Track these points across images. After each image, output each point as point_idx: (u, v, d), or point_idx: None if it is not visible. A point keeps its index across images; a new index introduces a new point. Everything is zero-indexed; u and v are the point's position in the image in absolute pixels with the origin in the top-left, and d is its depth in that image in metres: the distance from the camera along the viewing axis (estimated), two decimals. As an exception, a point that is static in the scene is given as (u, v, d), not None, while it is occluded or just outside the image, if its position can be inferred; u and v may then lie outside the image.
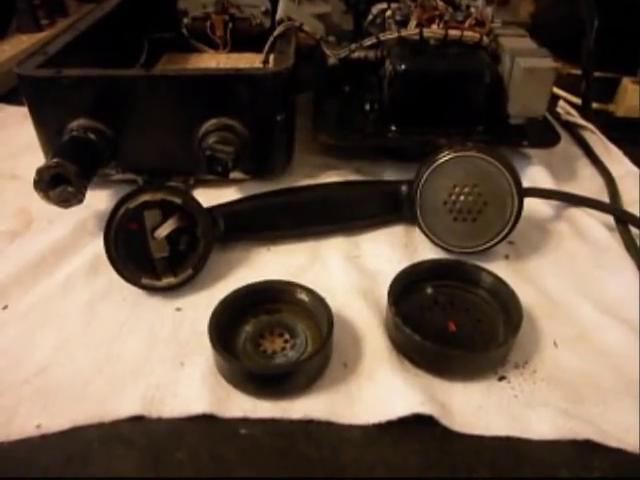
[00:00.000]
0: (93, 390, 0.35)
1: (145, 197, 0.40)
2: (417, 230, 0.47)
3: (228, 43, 0.77)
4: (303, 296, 0.38)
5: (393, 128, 0.53)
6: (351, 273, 0.43)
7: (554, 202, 0.51)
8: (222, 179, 0.47)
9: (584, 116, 0.65)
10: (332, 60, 0.60)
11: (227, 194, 0.52)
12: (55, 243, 0.46)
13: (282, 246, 0.46)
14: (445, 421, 0.33)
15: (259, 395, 0.34)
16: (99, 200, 0.51)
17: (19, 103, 0.69)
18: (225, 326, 0.37)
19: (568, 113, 0.66)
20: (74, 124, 0.48)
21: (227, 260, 0.45)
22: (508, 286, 0.38)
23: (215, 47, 0.78)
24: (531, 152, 0.56)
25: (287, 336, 0.37)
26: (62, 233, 0.47)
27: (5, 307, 0.41)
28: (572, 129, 0.63)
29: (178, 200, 0.40)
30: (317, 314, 0.37)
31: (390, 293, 0.38)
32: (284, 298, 0.39)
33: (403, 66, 0.50)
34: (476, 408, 0.34)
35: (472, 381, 0.35)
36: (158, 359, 0.37)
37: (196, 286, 0.42)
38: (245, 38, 0.76)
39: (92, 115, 0.48)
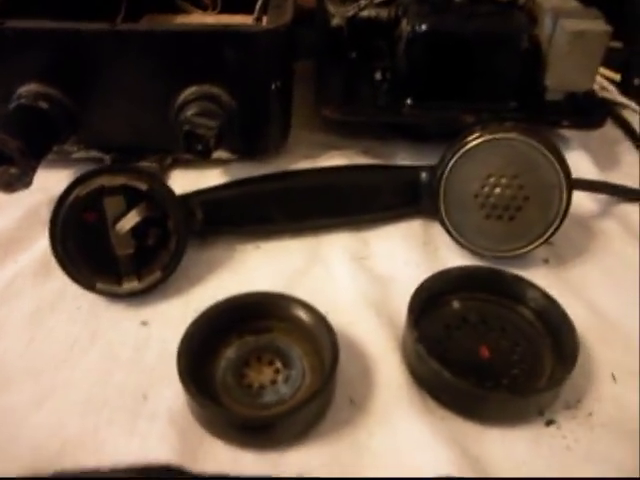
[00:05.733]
0: (30, 431, 0.27)
1: (101, 181, 0.31)
2: (438, 226, 0.39)
3: (218, 3, 0.68)
4: (300, 313, 0.30)
5: (409, 102, 0.44)
6: (359, 279, 0.36)
7: (599, 195, 0.43)
8: (203, 159, 0.39)
9: (625, 93, 0.56)
10: (336, 20, 0.51)
11: (210, 177, 0.43)
12: (0, 234, 0.38)
13: (274, 243, 0.38)
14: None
15: (242, 444, 0.26)
16: (57, 182, 0.42)
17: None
18: (201, 351, 0.29)
19: (604, 89, 0.58)
20: (23, 89, 0.39)
21: (206, 260, 0.37)
22: (557, 304, 0.31)
23: (203, 7, 0.69)
24: (568, 134, 0.48)
25: (279, 364, 0.29)
26: (9, 222, 0.39)
27: None
28: (610, 108, 0.55)
29: (143, 186, 0.32)
30: (317, 336, 0.30)
31: (411, 311, 0.30)
32: (276, 314, 0.31)
33: (424, 27, 0.41)
34: (519, 464, 0.26)
35: (513, 427, 0.28)
36: (114, 389, 0.29)
37: (167, 293, 0.35)
38: (237, -3, 0.67)
39: (45, 79, 0.39)
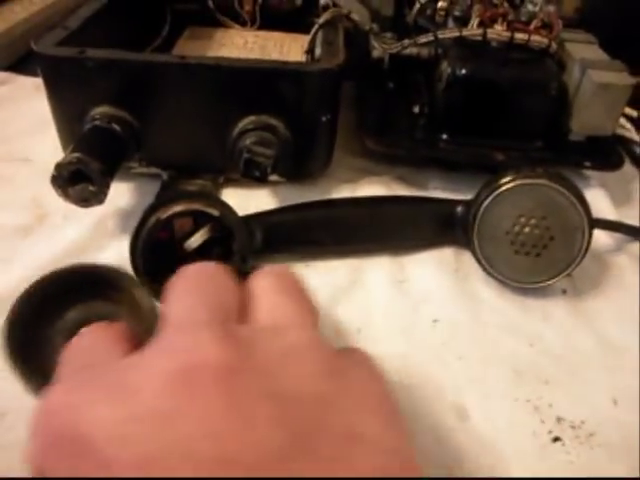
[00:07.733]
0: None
1: (179, 207, 0.35)
2: (469, 255, 0.43)
3: (257, 20, 0.72)
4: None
5: (444, 137, 0.48)
6: (394, 301, 0.40)
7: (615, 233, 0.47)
8: (260, 184, 0.42)
9: (641, 131, 0.60)
10: (377, 52, 0.55)
11: (259, 196, 0.47)
12: (70, 244, 0.42)
13: (321, 262, 0.42)
14: None
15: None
16: (119, 195, 0.47)
17: (30, 73, 0.63)
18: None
19: (622, 127, 0.62)
20: (97, 111, 0.43)
21: (261, 276, 0.41)
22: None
23: (242, 23, 0.72)
24: (588, 172, 0.52)
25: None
26: (78, 232, 0.43)
27: (15, 318, 0.37)
28: (626, 146, 0.59)
29: (215, 212, 0.36)
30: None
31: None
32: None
33: (464, 70, 0.45)
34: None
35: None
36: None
37: (227, 306, 0.38)
38: (274, 15, 0.71)
39: (117, 102, 0.43)
